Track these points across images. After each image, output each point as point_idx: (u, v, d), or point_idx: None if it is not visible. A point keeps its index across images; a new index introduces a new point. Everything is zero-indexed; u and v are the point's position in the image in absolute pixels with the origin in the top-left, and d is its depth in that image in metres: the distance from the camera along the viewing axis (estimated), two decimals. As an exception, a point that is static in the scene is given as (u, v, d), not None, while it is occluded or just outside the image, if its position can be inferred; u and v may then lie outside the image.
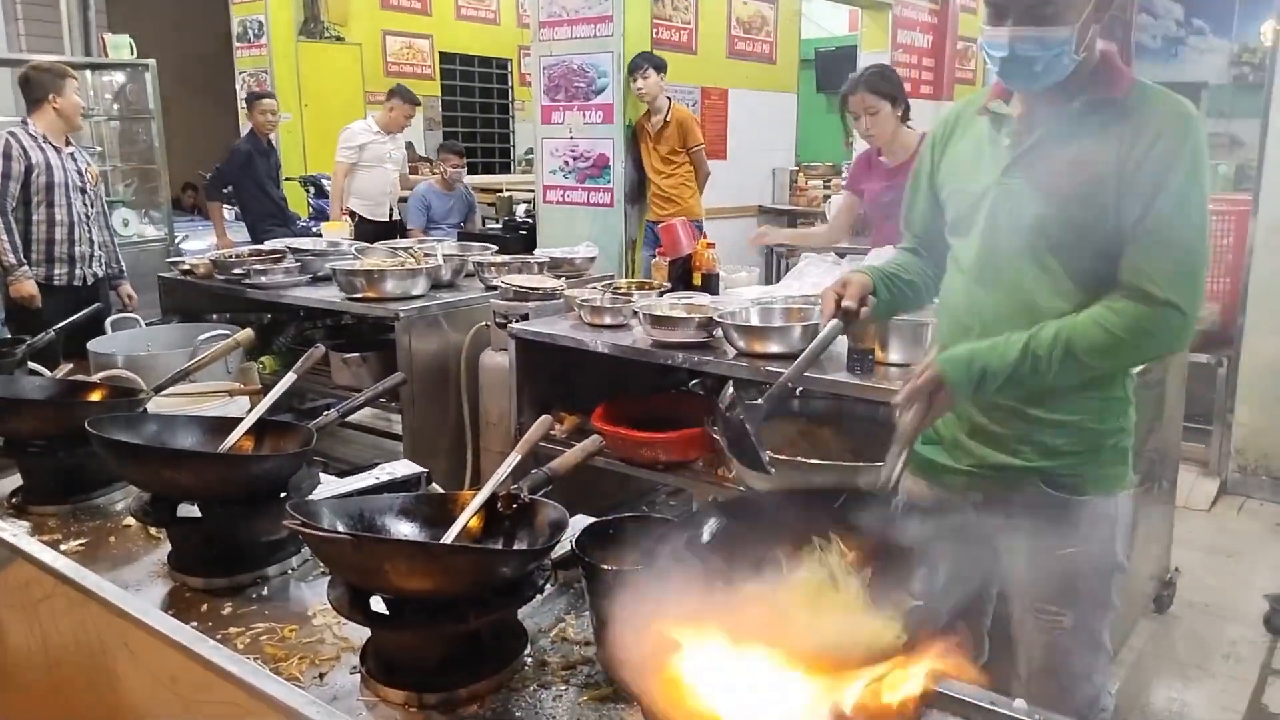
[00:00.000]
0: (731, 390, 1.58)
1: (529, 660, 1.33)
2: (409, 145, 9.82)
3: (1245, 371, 4.32)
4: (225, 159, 6.43)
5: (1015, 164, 1.62)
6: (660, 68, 5.80)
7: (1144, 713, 2.75)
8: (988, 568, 1.87)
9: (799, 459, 2.54)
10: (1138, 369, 1.76)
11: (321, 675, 1.30)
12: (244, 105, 8.34)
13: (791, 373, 1.65)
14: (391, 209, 6.85)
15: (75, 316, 2.87)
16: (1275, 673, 2.98)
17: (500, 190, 8.24)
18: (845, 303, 1.72)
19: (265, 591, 1.54)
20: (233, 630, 1.41)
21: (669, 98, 5.93)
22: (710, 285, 3.65)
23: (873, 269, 1.83)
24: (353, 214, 6.58)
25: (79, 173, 4.33)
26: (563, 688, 1.27)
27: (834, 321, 1.71)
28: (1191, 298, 1.54)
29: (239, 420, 1.72)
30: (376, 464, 1.91)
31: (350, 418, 1.90)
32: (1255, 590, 3.41)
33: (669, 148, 5.91)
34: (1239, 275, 4.35)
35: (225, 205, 6.61)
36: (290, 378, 1.82)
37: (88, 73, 6.98)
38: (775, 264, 6.20)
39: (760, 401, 1.60)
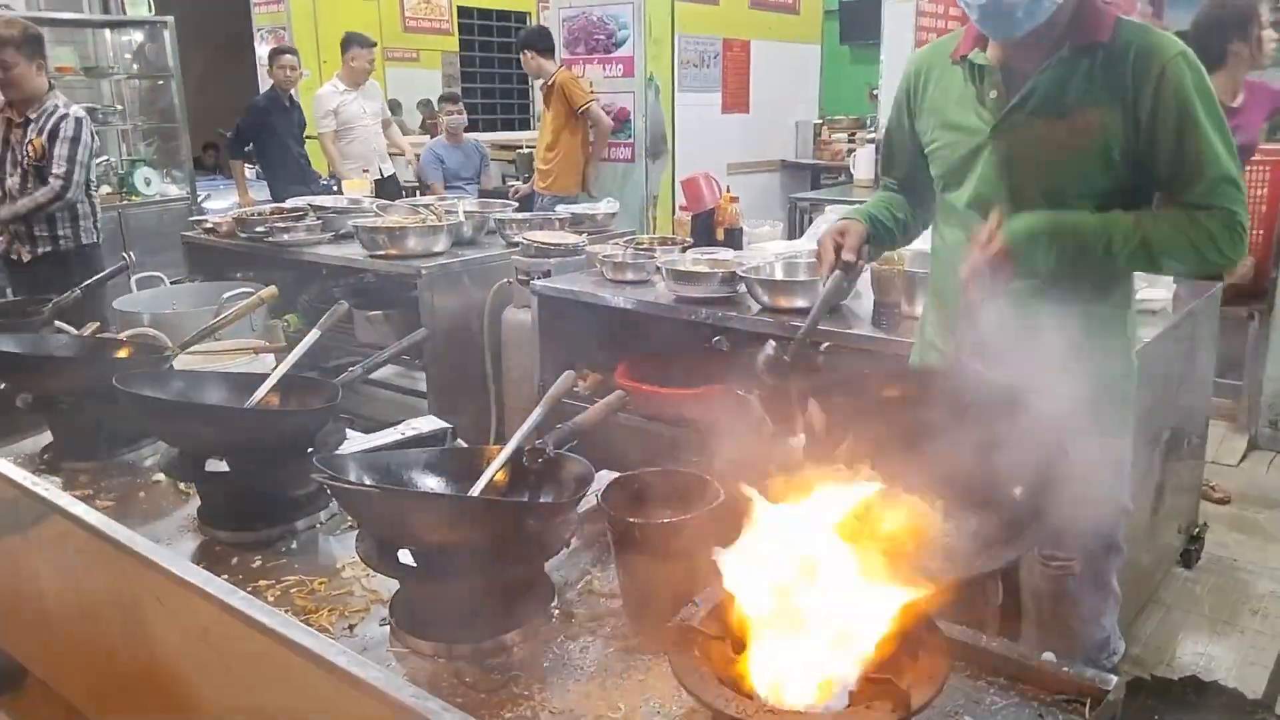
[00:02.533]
0: (772, 347, 1.57)
1: (556, 612, 1.33)
2: (426, 103, 9.77)
3: (1278, 325, 4.25)
4: (244, 116, 6.40)
5: (1009, 117, 1.59)
6: (527, 46, 5.73)
7: (1171, 666, 2.75)
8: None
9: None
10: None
11: (351, 627, 1.32)
12: (264, 62, 8.32)
13: (807, 327, 1.62)
14: (381, 166, 6.65)
15: (100, 275, 2.89)
16: (1304, 627, 2.96)
17: (520, 147, 8.19)
18: (845, 255, 1.69)
19: (294, 545, 1.56)
20: (263, 583, 1.43)
21: (558, 65, 5.83)
22: (733, 240, 3.62)
23: (866, 213, 1.81)
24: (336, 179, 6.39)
25: (21, 146, 3.99)
26: (589, 639, 1.28)
27: (837, 273, 1.69)
28: (1245, 208, 1.54)
29: (265, 376, 1.73)
30: (402, 420, 1.92)
31: (374, 375, 1.91)
32: (1284, 545, 3.39)
33: (553, 114, 5.76)
34: (1273, 227, 4.26)
35: (246, 164, 6.60)
36: (315, 333, 1.82)
37: (106, 31, 6.97)
38: (799, 218, 6.14)
39: (785, 358, 1.59)
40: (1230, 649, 2.84)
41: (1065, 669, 1.16)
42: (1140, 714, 2.52)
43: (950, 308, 1.77)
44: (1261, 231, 4.40)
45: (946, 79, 1.69)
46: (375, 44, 6.63)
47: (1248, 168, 4.38)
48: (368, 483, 1.31)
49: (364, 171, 6.36)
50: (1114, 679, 1.14)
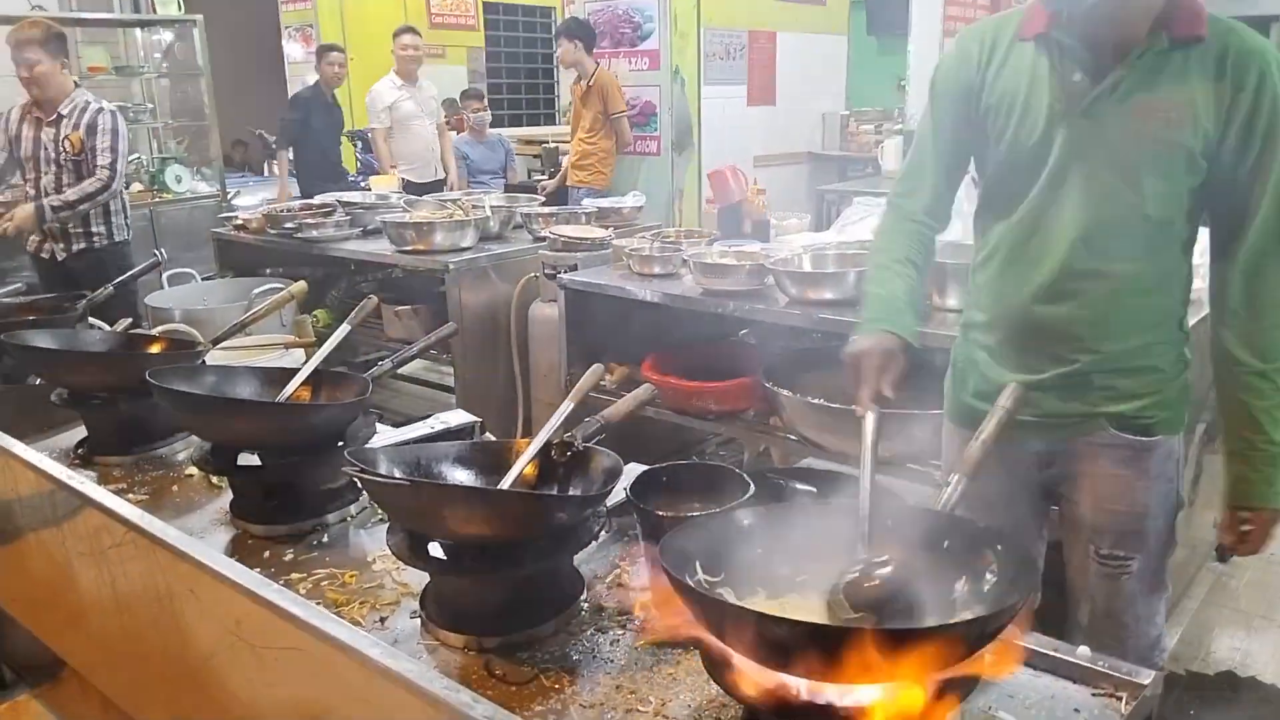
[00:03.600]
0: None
1: (585, 605, 1.33)
2: (452, 101, 9.81)
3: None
4: (288, 108, 6.44)
5: (1097, 101, 1.52)
6: (575, 36, 5.74)
7: (1206, 662, 2.71)
8: (1045, 521, 1.86)
9: (851, 407, 2.52)
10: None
11: (382, 619, 1.33)
12: (293, 59, 8.39)
13: (865, 505, 1.24)
14: (437, 166, 6.54)
15: (133, 271, 2.91)
16: (1343, 623, 2.91)
17: (545, 142, 8.20)
18: (887, 392, 1.48)
19: (325, 538, 1.56)
20: (295, 576, 1.44)
21: (597, 63, 5.88)
22: (760, 232, 3.60)
23: (901, 312, 1.63)
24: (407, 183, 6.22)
25: (55, 143, 4.02)
26: (619, 632, 1.28)
27: (872, 416, 1.42)
28: None
29: (296, 371, 1.74)
30: (431, 414, 1.93)
31: (403, 370, 1.92)
32: (1323, 539, 3.33)
33: (593, 114, 5.85)
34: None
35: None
36: (345, 328, 1.83)
37: (137, 30, 7.05)
38: (826, 210, 6.10)
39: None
40: (1267, 644, 2.80)
41: (1101, 663, 1.14)
42: (1175, 709, 2.49)
43: (1010, 327, 1.69)
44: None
45: (1014, 58, 1.61)
46: (417, 31, 6.51)
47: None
48: (398, 476, 1.31)
49: (391, 168, 6.35)
50: (1151, 673, 1.12)
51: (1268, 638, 2.83)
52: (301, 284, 2.38)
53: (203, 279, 4.53)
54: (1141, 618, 1.76)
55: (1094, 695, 1.13)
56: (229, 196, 6.78)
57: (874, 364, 1.51)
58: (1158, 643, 1.79)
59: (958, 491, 1.28)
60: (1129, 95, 1.51)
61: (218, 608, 1.25)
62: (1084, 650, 1.17)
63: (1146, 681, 1.11)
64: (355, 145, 7.78)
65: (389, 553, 1.30)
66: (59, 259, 4.15)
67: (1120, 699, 1.11)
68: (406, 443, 1.68)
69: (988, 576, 1.12)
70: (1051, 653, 1.17)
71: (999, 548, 1.13)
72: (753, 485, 1.41)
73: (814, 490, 1.73)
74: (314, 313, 4.34)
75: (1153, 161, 1.51)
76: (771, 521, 1.22)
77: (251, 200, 6.67)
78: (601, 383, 2.95)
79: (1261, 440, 1.60)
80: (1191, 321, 1.73)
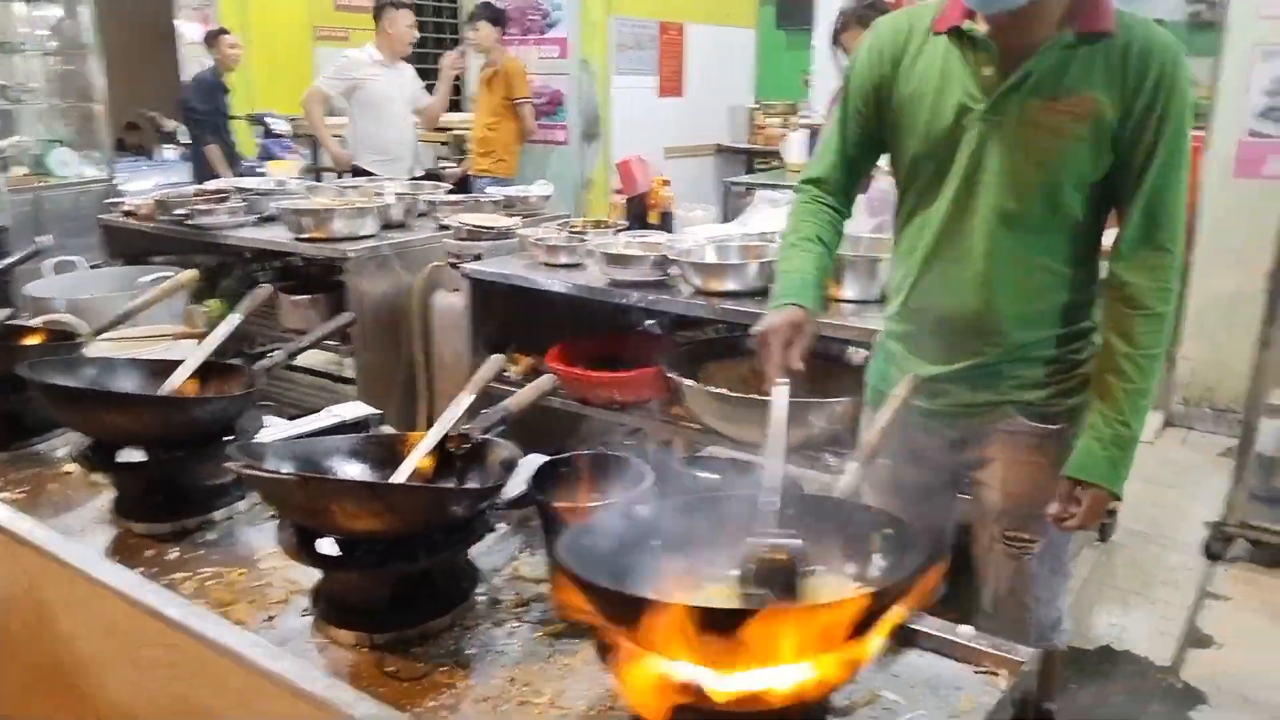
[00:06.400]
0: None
1: (482, 598, 1.32)
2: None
3: (1193, 307, 4.39)
4: (194, 92, 6.20)
5: (1005, 96, 1.55)
6: (496, 20, 5.71)
7: (1086, 637, 2.83)
8: (954, 505, 1.91)
9: (752, 396, 2.56)
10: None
11: (270, 618, 1.29)
12: (189, 41, 8.06)
13: (773, 476, 1.22)
14: (413, 165, 5.76)
15: (10, 260, 2.77)
16: (1211, 597, 3.08)
17: (451, 129, 8.07)
18: (794, 365, 1.53)
19: (212, 536, 1.52)
20: (178, 575, 1.39)
21: (504, 49, 5.86)
22: (666, 223, 3.62)
23: (807, 286, 1.67)
24: (359, 170, 5.43)
25: None
26: (516, 624, 1.27)
27: (782, 389, 1.42)
28: (1183, 227, 1.60)
29: (182, 363, 1.68)
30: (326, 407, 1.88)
31: (304, 361, 1.87)
32: (1195, 519, 3.51)
33: (497, 99, 5.81)
34: (1191, 212, 4.39)
35: (169, 145, 6.41)
36: (235, 318, 1.78)
37: (21, 3, 6.69)
38: (733, 202, 6.16)
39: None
40: (1141, 619, 2.95)
41: (983, 642, 1.18)
42: (1054, 684, 2.60)
43: (926, 319, 1.73)
44: (1178, 216, 4.52)
45: (928, 51, 1.63)
46: (411, 4, 5.61)
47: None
48: (285, 471, 1.28)
49: (373, 158, 5.72)
50: (1030, 651, 1.17)
51: (1143, 613, 2.98)
52: (192, 272, 2.30)
53: (91, 267, 4.33)
54: (1042, 599, 1.82)
55: (976, 673, 1.16)
56: (117, 182, 6.49)
57: (781, 338, 1.55)
58: (1058, 624, 1.86)
59: (854, 478, 1.30)
60: (1037, 88, 1.54)
61: (92, 611, 1.20)
62: (966, 629, 1.20)
63: (1025, 659, 1.15)
64: (255, 130, 7.54)
65: (278, 550, 1.27)
66: None
67: (1000, 676, 1.15)
68: (299, 436, 1.64)
69: (876, 559, 1.14)
70: (935, 632, 1.21)
71: (887, 531, 1.16)
72: (650, 474, 1.41)
73: (716, 477, 1.75)
74: (207, 303, 4.19)
75: (1060, 153, 1.55)
76: (672, 510, 1.23)
77: (143, 185, 6.39)
78: (505, 373, 2.92)
79: (1117, 420, 1.61)
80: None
